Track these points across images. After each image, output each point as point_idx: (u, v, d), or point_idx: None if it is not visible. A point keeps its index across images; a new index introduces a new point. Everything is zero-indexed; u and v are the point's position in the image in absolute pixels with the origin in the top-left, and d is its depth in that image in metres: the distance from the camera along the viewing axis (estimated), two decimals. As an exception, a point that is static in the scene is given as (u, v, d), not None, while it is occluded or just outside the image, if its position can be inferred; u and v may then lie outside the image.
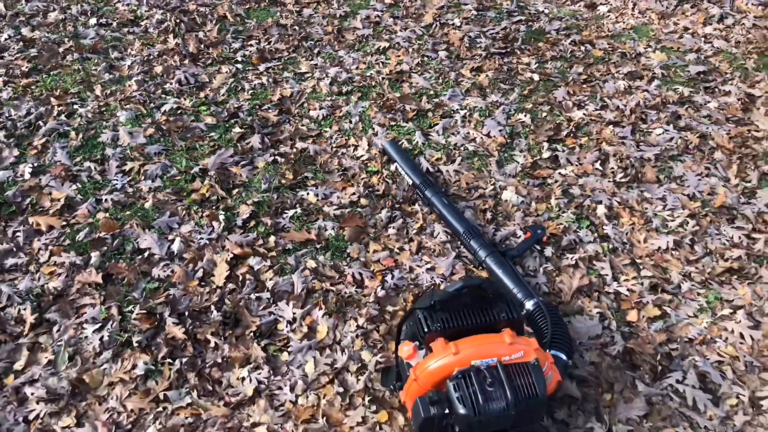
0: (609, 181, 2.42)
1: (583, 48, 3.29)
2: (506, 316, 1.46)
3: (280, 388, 1.72)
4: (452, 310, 1.45)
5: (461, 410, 1.30)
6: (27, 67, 2.93)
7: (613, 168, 2.49)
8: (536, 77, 3.03)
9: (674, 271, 2.07)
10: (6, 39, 3.15)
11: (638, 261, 2.10)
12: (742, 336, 1.87)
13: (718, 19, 3.66)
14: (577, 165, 2.51)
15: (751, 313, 1.94)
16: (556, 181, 2.43)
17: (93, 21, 3.37)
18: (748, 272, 2.07)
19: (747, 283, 2.03)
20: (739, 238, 2.18)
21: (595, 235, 2.21)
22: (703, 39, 3.44)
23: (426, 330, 1.44)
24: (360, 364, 1.77)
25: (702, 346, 1.85)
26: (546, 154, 2.56)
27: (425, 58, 3.17)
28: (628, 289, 2.00)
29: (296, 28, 3.39)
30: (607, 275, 2.05)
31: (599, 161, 2.52)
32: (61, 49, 3.09)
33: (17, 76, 2.87)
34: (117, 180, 2.34)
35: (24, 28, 3.26)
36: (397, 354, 1.52)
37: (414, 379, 1.43)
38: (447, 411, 1.34)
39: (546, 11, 3.66)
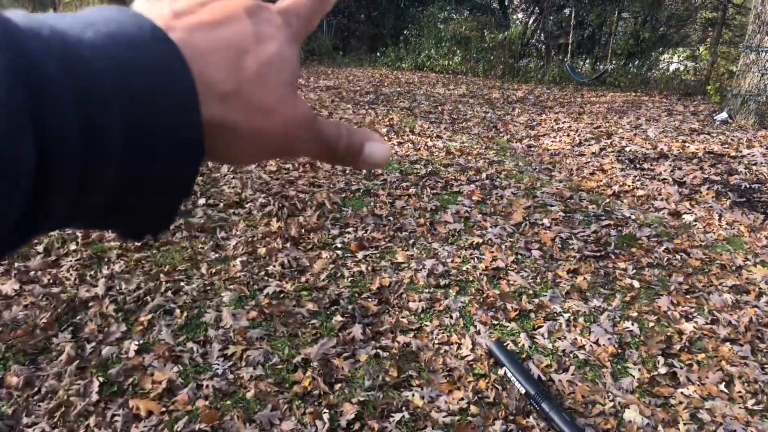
0: (739, 407, 2.21)
1: (678, 256, 3.27)
2: None
3: None
4: None
5: None
6: (139, 243, 3.09)
7: (740, 392, 2.29)
8: (636, 284, 2.98)
9: None
10: (123, 213, 3.38)
11: None
12: None
13: (810, 235, 3.63)
14: (699, 385, 2.33)
15: None
16: (680, 402, 2.23)
17: (202, 201, 3.61)
18: None
19: None
20: None
21: (738, 472, 1.96)
22: (801, 256, 3.38)
23: None
24: None
25: None
26: (663, 370, 2.40)
27: (519, 256, 3.19)
28: None
29: (390, 218, 3.53)
30: None
31: (723, 382, 2.34)
32: (171, 227, 3.27)
33: (130, 250, 3.02)
34: (218, 365, 2.29)
35: (140, 203, 3.51)
36: None
37: None
38: None
39: (633, 217, 3.73)
